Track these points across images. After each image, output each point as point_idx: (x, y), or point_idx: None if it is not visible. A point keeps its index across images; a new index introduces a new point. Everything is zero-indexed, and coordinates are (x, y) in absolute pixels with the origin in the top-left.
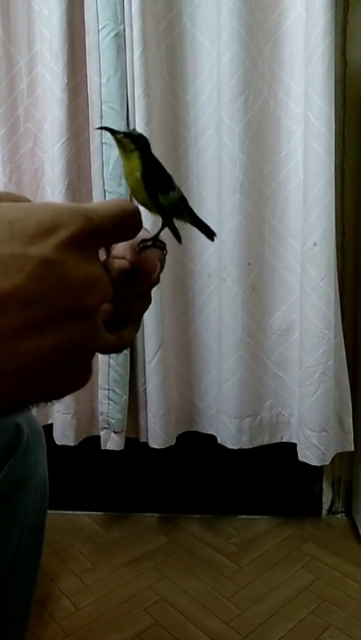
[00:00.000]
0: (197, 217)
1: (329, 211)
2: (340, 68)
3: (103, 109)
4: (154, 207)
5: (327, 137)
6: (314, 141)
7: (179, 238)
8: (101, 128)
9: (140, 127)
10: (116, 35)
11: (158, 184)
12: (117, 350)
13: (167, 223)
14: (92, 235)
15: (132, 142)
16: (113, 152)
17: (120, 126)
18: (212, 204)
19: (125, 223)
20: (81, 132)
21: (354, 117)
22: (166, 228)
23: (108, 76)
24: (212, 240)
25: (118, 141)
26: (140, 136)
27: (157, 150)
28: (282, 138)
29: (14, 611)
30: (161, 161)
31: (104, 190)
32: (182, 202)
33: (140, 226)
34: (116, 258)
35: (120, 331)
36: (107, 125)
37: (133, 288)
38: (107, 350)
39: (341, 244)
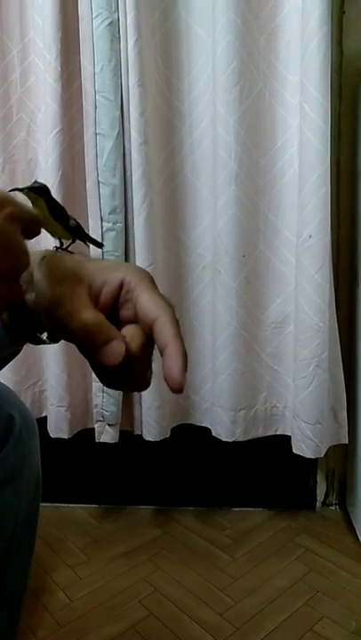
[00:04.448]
0: (87, 233)
1: (324, 202)
2: (336, 58)
3: (97, 99)
4: (67, 232)
5: (323, 128)
6: (309, 133)
7: (99, 244)
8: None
9: (133, 117)
10: (110, 23)
11: (64, 216)
12: (144, 389)
13: (82, 238)
14: (21, 216)
15: (33, 192)
16: (107, 143)
17: (114, 117)
18: (207, 196)
19: (35, 221)
20: (75, 123)
21: (350, 109)
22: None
23: (101, 66)
24: (100, 247)
25: (26, 194)
26: (39, 187)
27: (151, 141)
28: (277, 129)
29: (7, 602)
30: (155, 151)
31: (98, 181)
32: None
33: (39, 230)
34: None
35: (145, 374)
36: (100, 114)
37: (152, 349)
38: (136, 390)
39: (337, 236)
